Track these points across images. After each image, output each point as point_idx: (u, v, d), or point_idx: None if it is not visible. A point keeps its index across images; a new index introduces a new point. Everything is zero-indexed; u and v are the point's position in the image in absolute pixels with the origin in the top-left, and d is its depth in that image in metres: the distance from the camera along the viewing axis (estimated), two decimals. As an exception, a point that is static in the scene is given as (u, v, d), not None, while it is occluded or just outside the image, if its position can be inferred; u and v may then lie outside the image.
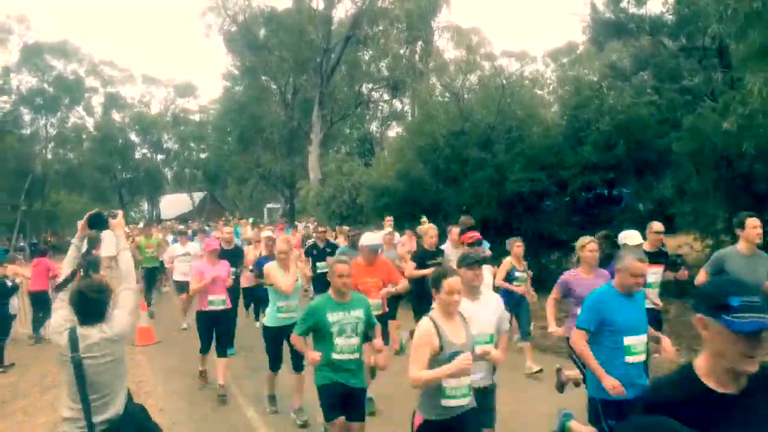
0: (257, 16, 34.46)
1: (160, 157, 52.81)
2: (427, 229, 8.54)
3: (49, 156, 45.84)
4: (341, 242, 11.96)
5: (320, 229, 11.58)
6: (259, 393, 7.66)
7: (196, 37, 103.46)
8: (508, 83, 16.64)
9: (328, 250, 10.57)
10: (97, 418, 3.59)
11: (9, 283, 10.31)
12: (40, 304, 11.79)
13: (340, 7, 33.30)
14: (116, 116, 49.56)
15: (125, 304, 3.92)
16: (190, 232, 16.43)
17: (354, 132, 39.72)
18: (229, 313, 8.17)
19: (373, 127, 40.32)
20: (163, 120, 50.81)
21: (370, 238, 7.04)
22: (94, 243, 10.89)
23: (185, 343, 10.86)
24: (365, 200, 18.92)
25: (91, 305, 3.67)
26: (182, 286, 11.69)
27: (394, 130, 37.56)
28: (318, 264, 10.37)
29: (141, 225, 17.04)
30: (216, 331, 7.91)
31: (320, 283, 9.98)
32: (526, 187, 14.02)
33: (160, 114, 51.36)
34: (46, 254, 12.28)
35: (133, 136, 50.27)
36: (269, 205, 45.01)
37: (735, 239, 6.37)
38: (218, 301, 7.84)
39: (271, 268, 6.75)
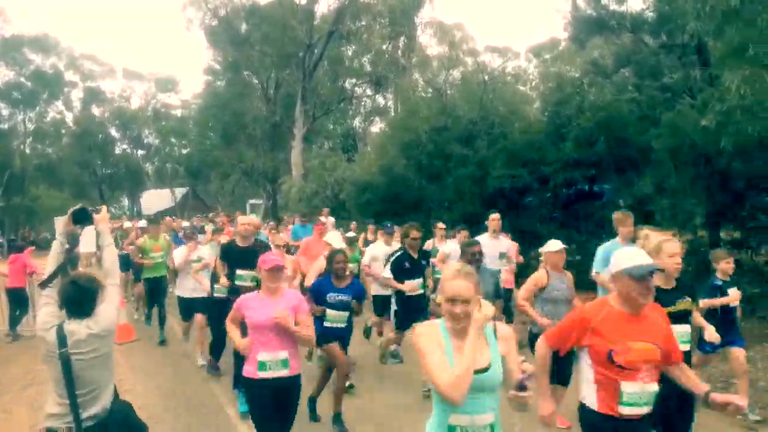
0: (239, 10, 34.21)
1: (140, 152, 52.33)
2: (664, 245, 4.32)
3: (28, 151, 45.23)
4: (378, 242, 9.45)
5: (415, 233, 7.37)
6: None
7: (177, 34, 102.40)
8: (491, 79, 16.75)
9: (424, 262, 7.70)
10: (84, 414, 3.60)
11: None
12: (18, 301, 11.63)
13: (323, 1, 33.26)
14: (96, 111, 49.00)
15: (111, 299, 3.92)
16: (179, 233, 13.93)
17: (337, 127, 39.67)
18: (295, 385, 4.69)
19: (356, 122, 40.31)
20: (144, 115, 50.32)
21: (638, 257, 3.36)
22: (75, 240, 10.74)
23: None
24: (348, 196, 18.92)
25: (83, 296, 3.69)
26: (189, 307, 9.18)
27: (377, 126, 37.60)
28: (408, 282, 7.21)
29: (141, 222, 14.76)
30: (279, 416, 4.61)
31: (407, 314, 7.22)
32: (507, 183, 14.11)
33: (141, 109, 50.87)
34: (23, 251, 12.09)
35: (113, 131, 49.73)
36: (251, 201, 44.75)
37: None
38: (277, 363, 4.50)
39: (430, 342, 2.88)
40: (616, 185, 14.16)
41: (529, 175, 14.10)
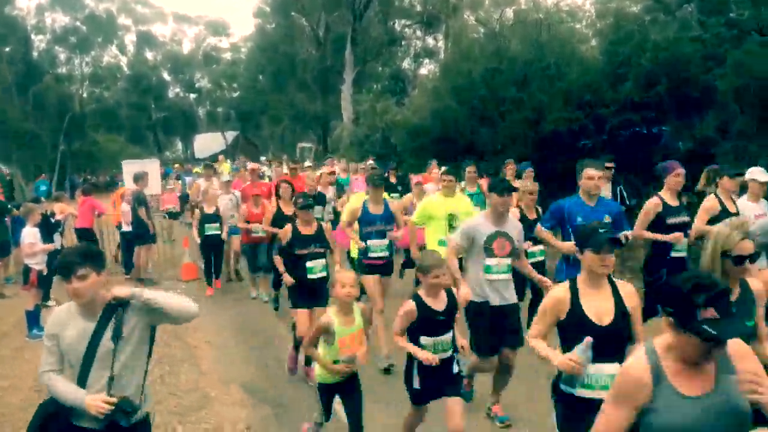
0: (287, -51, 33.74)
1: (192, 96, 53.04)
2: None
3: (85, 95, 46.46)
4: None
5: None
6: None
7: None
8: (546, 17, 16.22)
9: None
10: None
11: (52, 220, 10.51)
12: (86, 240, 12.14)
13: (372, -62, 32.41)
14: (149, 55, 49.73)
15: None
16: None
17: (386, 70, 39.15)
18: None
19: (405, 64, 39.66)
20: (195, 59, 50.78)
21: None
22: (139, 179, 11.12)
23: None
24: (399, 140, 18.89)
25: None
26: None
27: (427, 68, 36.99)
28: None
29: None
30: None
31: None
32: (563, 126, 13.83)
33: (192, 52, 51.30)
34: (91, 194, 12.54)
35: (165, 75, 50.48)
36: (301, 144, 45.04)
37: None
38: None
39: None
40: (676, 127, 13.73)
41: (585, 118, 13.77)
